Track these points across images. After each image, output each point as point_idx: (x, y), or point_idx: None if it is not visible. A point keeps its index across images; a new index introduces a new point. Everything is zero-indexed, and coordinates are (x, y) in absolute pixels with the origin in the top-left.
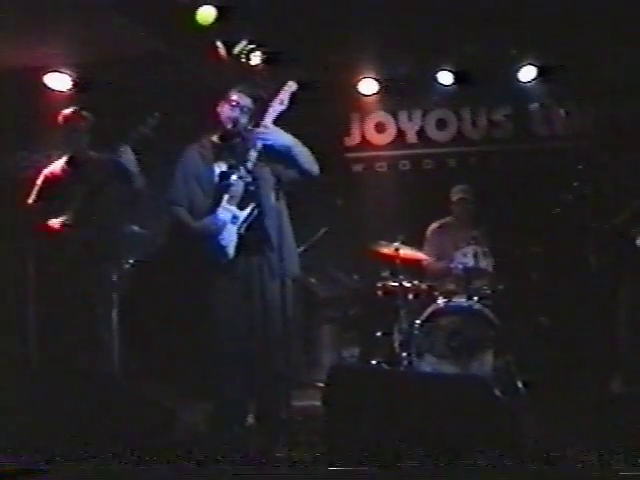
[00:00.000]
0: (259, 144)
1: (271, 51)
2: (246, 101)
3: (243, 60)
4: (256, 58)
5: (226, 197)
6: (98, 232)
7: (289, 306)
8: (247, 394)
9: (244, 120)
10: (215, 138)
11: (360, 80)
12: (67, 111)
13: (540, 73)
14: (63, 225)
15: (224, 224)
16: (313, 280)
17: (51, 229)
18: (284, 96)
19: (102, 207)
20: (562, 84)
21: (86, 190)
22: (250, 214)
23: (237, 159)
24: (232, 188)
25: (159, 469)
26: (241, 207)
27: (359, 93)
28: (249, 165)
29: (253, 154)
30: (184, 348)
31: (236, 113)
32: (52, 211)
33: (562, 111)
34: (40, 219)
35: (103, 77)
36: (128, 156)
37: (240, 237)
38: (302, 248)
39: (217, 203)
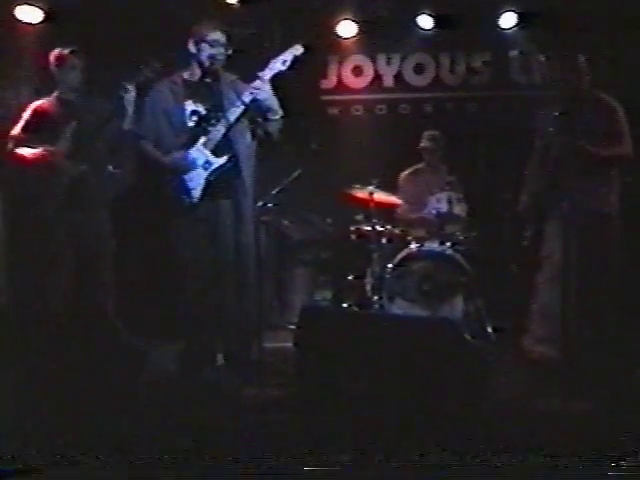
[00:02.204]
0: (249, 96)
1: None
2: (222, 38)
3: None
4: None
5: (202, 139)
6: (85, 171)
7: (261, 249)
8: (218, 336)
9: (222, 57)
10: (187, 75)
11: (339, 22)
12: (59, 51)
13: (521, 20)
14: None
15: (194, 165)
16: (286, 222)
17: (32, 160)
18: (287, 57)
19: (92, 147)
20: (543, 32)
21: (78, 127)
22: (224, 164)
23: (218, 103)
24: (211, 132)
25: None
26: (216, 153)
27: (337, 35)
28: (234, 113)
29: (240, 104)
30: (156, 289)
31: (214, 50)
32: (38, 143)
33: (542, 57)
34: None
35: (75, 10)
36: (130, 98)
37: (208, 183)
38: (276, 190)
39: (192, 143)
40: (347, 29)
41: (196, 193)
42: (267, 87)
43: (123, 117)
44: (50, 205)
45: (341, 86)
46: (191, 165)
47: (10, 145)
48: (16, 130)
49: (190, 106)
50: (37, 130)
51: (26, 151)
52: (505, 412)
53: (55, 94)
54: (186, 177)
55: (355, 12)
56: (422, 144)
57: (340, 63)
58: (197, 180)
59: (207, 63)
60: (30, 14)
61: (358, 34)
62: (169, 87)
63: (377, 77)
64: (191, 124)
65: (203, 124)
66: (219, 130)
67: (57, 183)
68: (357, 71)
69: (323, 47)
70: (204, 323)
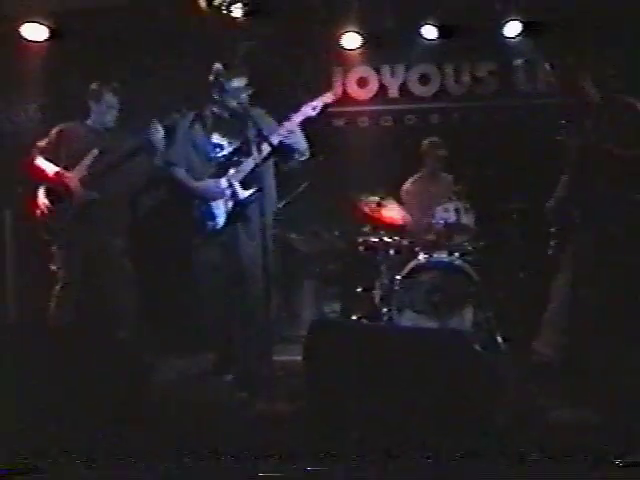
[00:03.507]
0: (278, 138)
1: (252, 2)
2: (243, 82)
3: (224, 12)
4: (237, 10)
5: (232, 171)
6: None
7: (270, 263)
8: (229, 350)
9: (245, 99)
10: (215, 109)
11: (343, 34)
12: (97, 86)
13: (525, 28)
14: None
15: (222, 194)
16: (294, 235)
17: (49, 178)
18: (318, 103)
19: (121, 177)
20: (547, 40)
21: (99, 156)
22: (250, 196)
23: (247, 137)
24: (241, 165)
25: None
26: (244, 186)
27: (341, 47)
28: (263, 152)
29: (269, 145)
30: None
31: (236, 97)
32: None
33: (547, 65)
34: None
35: (80, 27)
36: (158, 134)
37: (232, 213)
38: (283, 203)
39: (223, 173)
40: (352, 41)
41: (220, 220)
42: (297, 130)
43: (153, 153)
44: (58, 226)
45: (346, 98)
46: (220, 194)
47: (32, 156)
48: (40, 144)
49: (215, 139)
50: (60, 150)
51: (46, 166)
52: (517, 423)
53: (87, 122)
54: (213, 204)
55: (359, 24)
56: (422, 151)
57: (345, 75)
58: (223, 208)
59: (231, 106)
60: (35, 32)
61: (362, 46)
62: (198, 119)
63: (382, 88)
64: (215, 156)
65: (235, 156)
66: (249, 164)
67: (68, 206)
68: (362, 82)
69: (328, 59)
70: (218, 338)
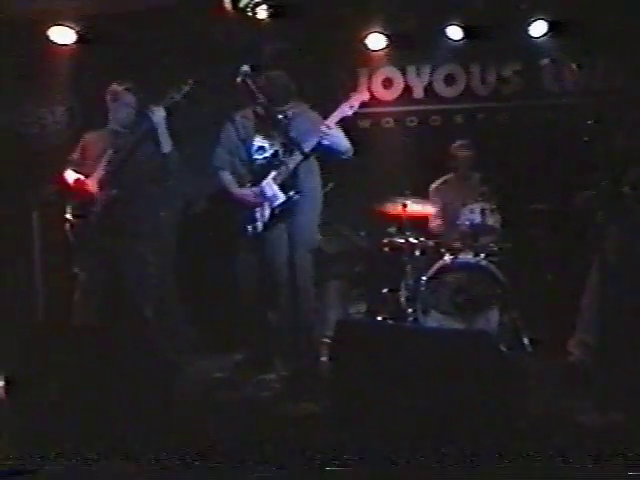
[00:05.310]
0: (316, 139)
1: (277, 5)
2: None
3: (249, 14)
4: (262, 12)
5: (273, 174)
6: (116, 197)
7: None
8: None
9: (284, 96)
10: (258, 109)
11: (368, 35)
12: (114, 88)
13: (551, 28)
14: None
15: (263, 198)
16: (319, 236)
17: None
18: (354, 102)
19: (131, 170)
20: (574, 40)
21: (118, 153)
22: (289, 198)
23: (288, 137)
24: (281, 167)
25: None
26: (283, 188)
27: (367, 48)
28: (301, 152)
29: (309, 145)
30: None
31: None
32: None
33: (574, 66)
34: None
35: (107, 31)
36: (159, 119)
37: (272, 216)
38: None
39: (263, 177)
40: (377, 41)
41: (259, 224)
42: (335, 131)
43: (155, 141)
44: (84, 230)
45: (371, 98)
46: (260, 199)
47: (62, 169)
48: (70, 157)
49: (258, 141)
50: (87, 159)
51: (70, 176)
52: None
53: (107, 125)
54: (254, 208)
55: (384, 24)
56: (453, 154)
57: (370, 75)
58: (263, 212)
59: (270, 107)
60: (63, 35)
61: (388, 46)
62: (241, 121)
63: (407, 89)
64: (258, 158)
65: (275, 158)
66: (288, 166)
67: (90, 209)
68: (387, 83)
69: (353, 60)
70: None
